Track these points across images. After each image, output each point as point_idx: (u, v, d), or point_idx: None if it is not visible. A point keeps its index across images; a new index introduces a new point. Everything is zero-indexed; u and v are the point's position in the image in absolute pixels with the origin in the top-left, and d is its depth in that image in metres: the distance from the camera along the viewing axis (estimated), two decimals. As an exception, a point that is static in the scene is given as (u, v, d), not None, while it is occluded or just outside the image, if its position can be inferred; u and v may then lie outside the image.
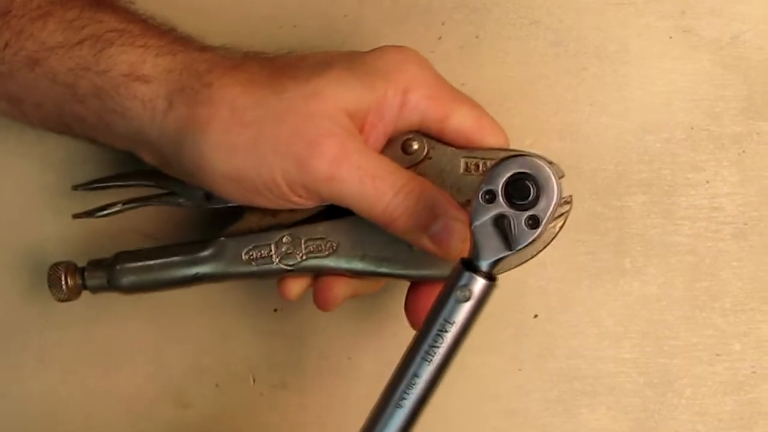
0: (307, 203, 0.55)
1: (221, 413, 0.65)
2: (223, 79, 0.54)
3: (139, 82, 0.54)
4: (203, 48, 0.56)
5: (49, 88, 0.55)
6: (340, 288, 0.59)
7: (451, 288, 0.50)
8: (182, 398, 0.65)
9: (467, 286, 0.50)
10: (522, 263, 0.58)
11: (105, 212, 0.61)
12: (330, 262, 0.58)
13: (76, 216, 0.61)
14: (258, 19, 0.65)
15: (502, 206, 0.50)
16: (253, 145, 0.53)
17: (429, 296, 0.57)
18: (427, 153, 0.57)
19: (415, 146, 0.57)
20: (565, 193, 0.57)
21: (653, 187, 0.64)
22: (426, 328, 0.50)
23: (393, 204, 0.54)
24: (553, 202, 0.50)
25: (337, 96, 0.54)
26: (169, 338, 0.65)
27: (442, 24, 0.65)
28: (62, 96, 0.55)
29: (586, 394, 0.64)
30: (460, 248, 0.54)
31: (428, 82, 0.57)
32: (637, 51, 0.64)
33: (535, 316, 0.64)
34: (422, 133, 0.57)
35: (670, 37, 0.64)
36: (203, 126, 0.54)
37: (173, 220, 0.65)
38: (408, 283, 0.60)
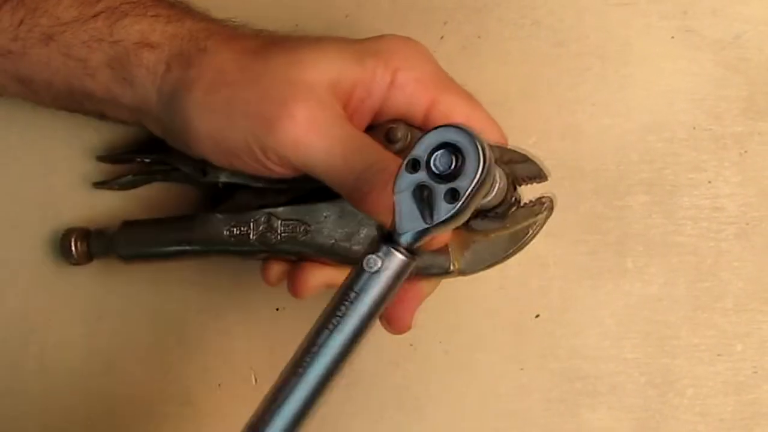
0: (285, 171, 0.55)
1: (223, 413, 0.65)
2: (218, 46, 0.56)
3: (147, 48, 0.56)
4: (209, 18, 0.58)
5: (62, 63, 0.57)
6: (314, 276, 0.58)
7: (363, 257, 0.47)
8: (184, 398, 0.65)
9: (379, 257, 0.47)
10: (491, 265, 0.58)
11: (120, 181, 0.64)
12: (304, 246, 0.58)
13: (97, 185, 0.65)
14: (258, 19, 0.64)
15: (424, 176, 0.46)
16: (226, 105, 0.54)
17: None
18: (410, 142, 0.57)
19: (399, 134, 0.57)
20: (533, 196, 0.57)
21: (655, 187, 0.64)
22: (334, 297, 0.48)
23: (362, 179, 0.53)
24: (476, 177, 0.46)
25: (319, 66, 0.54)
26: (170, 338, 0.65)
27: (444, 24, 0.65)
28: (74, 71, 0.57)
29: (587, 394, 0.64)
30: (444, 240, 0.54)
31: (422, 67, 0.56)
32: (638, 51, 0.64)
33: (537, 315, 0.64)
34: (407, 122, 0.57)
35: (672, 38, 0.64)
36: (189, 86, 0.55)
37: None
38: None
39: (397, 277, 0.47)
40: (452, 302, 0.64)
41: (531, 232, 0.57)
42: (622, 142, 0.64)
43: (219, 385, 0.66)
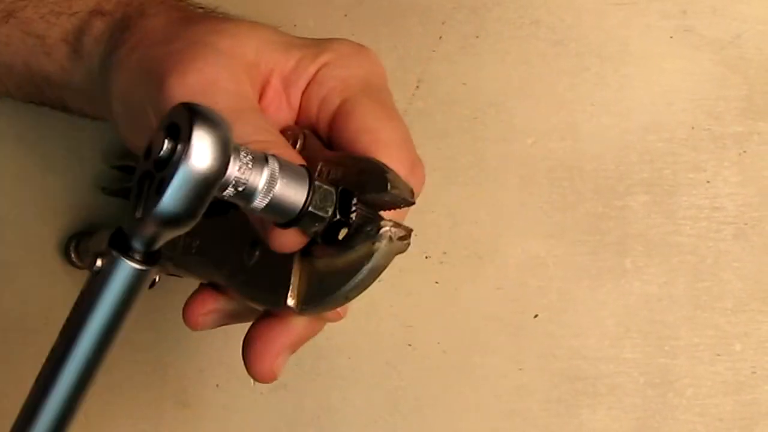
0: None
1: (221, 413, 0.65)
2: (158, 12, 0.51)
3: (98, 16, 0.53)
4: None
5: (21, 41, 0.55)
6: (204, 306, 0.50)
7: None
8: (182, 398, 0.65)
9: (103, 255, 0.39)
10: (328, 304, 0.45)
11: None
12: (195, 263, 0.50)
13: (105, 191, 0.64)
14: (257, 19, 0.64)
15: (149, 164, 0.38)
16: (137, 63, 0.49)
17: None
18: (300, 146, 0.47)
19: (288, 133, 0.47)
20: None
21: (654, 187, 0.64)
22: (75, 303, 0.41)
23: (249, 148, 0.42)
24: (182, 163, 0.37)
25: (240, 38, 0.47)
26: (169, 338, 0.65)
27: (443, 23, 0.64)
28: (32, 49, 0.55)
29: (586, 394, 0.64)
30: None
31: (355, 71, 0.47)
32: (638, 51, 0.64)
33: (536, 316, 0.64)
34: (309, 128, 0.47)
35: (671, 37, 0.64)
36: (117, 48, 0.51)
37: None
38: None
39: (128, 288, 0.40)
40: (451, 302, 0.64)
41: (366, 265, 0.43)
42: (622, 142, 0.64)
43: (217, 385, 0.66)
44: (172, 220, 0.38)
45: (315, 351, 0.65)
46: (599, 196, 0.64)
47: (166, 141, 0.38)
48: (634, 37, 0.64)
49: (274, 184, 0.41)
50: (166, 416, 0.65)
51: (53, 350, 0.41)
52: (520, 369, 0.64)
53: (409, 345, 0.65)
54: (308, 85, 0.47)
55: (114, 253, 0.39)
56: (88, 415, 0.65)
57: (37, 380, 0.41)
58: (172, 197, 0.37)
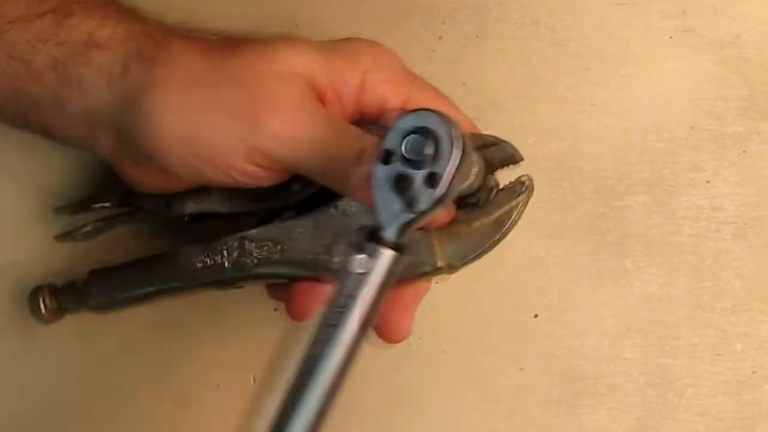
0: (262, 173, 0.53)
1: (222, 413, 0.65)
2: (180, 46, 0.53)
3: (96, 49, 0.53)
4: (160, 22, 0.55)
5: (6, 63, 0.54)
6: (311, 297, 0.56)
7: (352, 260, 0.46)
8: (182, 398, 0.65)
9: (369, 257, 0.45)
10: (479, 256, 0.56)
11: (81, 230, 0.60)
12: (281, 265, 0.55)
13: (58, 239, 0.61)
14: (258, 19, 0.65)
15: (399, 166, 0.45)
16: (208, 105, 0.52)
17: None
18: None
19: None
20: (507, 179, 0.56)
21: (654, 186, 0.64)
22: (327, 304, 0.46)
23: (357, 165, 0.50)
24: (453, 155, 0.45)
25: (291, 58, 0.52)
26: (169, 338, 0.65)
27: (443, 24, 0.64)
28: (18, 73, 0.54)
29: (587, 394, 0.64)
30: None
31: (390, 67, 0.55)
32: (638, 51, 0.64)
33: (536, 315, 0.64)
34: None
35: (671, 37, 0.64)
36: (158, 86, 0.52)
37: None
38: None
39: (387, 275, 0.46)
40: (451, 302, 0.64)
41: (514, 215, 0.56)
42: (622, 141, 0.64)
43: (217, 385, 0.65)
44: (442, 205, 0.45)
45: (315, 351, 0.65)
46: (599, 196, 0.64)
47: (427, 144, 0.45)
48: (635, 37, 0.64)
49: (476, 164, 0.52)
50: (166, 416, 0.65)
51: (313, 346, 0.45)
52: (521, 369, 0.64)
53: (410, 345, 0.65)
54: (360, 91, 0.54)
55: (379, 248, 0.45)
56: (88, 416, 0.65)
57: (306, 359, 0.45)
58: (448, 185, 0.45)
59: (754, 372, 0.64)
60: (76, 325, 0.65)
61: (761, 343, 0.64)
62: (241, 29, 0.63)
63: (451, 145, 0.45)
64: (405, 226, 0.45)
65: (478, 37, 0.65)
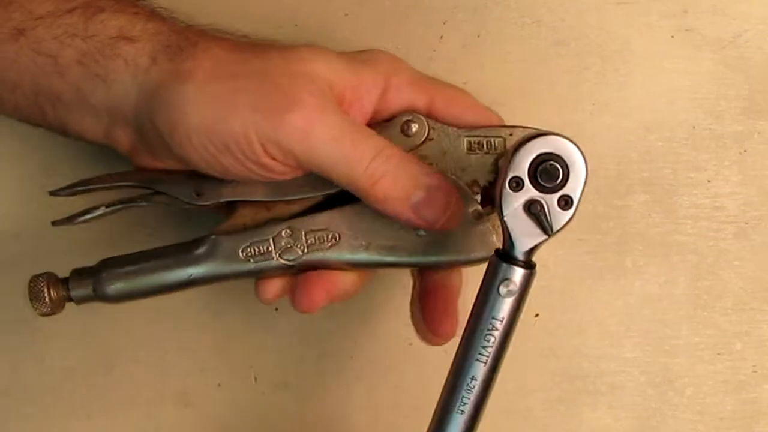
0: (278, 167, 0.53)
1: (223, 412, 0.65)
2: (209, 42, 0.54)
3: (125, 41, 0.54)
4: (189, 23, 0.56)
5: (30, 59, 0.54)
6: (323, 287, 0.56)
7: (492, 283, 0.49)
8: (184, 397, 0.65)
9: (509, 279, 0.49)
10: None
11: (87, 216, 0.56)
12: (333, 255, 0.55)
13: (56, 223, 0.57)
14: (259, 18, 0.65)
15: (531, 191, 0.49)
16: (230, 95, 0.52)
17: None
18: (428, 134, 0.56)
19: (415, 128, 0.56)
20: None
21: (655, 186, 0.64)
22: (474, 328, 0.49)
23: (374, 165, 0.52)
24: (583, 178, 0.49)
25: (317, 63, 0.54)
26: (170, 337, 0.65)
27: (444, 23, 0.64)
28: (43, 68, 0.54)
29: (587, 393, 0.64)
30: (444, 219, 0.53)
31: (409, 71, 0.57)
32: (639, 50, 0.64)
33: (537, 315, 0.64)
34: (421, 113, 0.56)
35: (672, 37, 0.64)
36: (184, 77, 0.53)
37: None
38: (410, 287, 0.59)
39: (527, 291, 0.49)
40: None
41: None
42: (622, 141, 0.64)
43: (219, 384, 0.66)
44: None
45: (317, 350, 0.65)
46: (600, 195, 0.64)
47: (560, 168, 0.49)
48: (635, 36, 0.64)
49: None
50: (167, 415, 0.65)
51: (472, 366, 0.50)
52: (521, 368, 0.64)
53: (410, 344, 0.65)
54: (384, 92, 0.55)
55: (518, 268, 0.49)
56: (89, 416, 0.66)
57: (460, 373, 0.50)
58: (576, 206, 0.49)
59: (754, 371, 0.64)
60: (76, 322, 0.65)
61: (761, 342, 0.64)
62: (242, 29, 0.64)
63: (584, 167, 0.49)
64: (537, 247, 0.49)
65: (479, 36, 0.65)
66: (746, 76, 0.64)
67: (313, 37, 0.64)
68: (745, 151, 0.64)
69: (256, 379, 0.65)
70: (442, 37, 0.65)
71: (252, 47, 0.55)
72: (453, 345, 0.65)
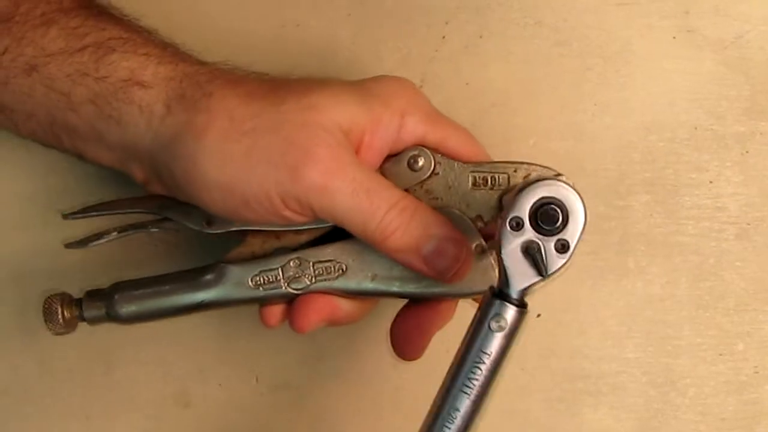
0: (298, 218, 0.54)
1: (223, 412, 0.65)
2: (224, 91, 0.54)
3: (138, 87, 0.54)
4: (204, 62, 0.56)
5: (44, 95, 0.55)
6: (316, 311, 0.57)
7: (483, 318, 0.50)
8: (184, 398, 0.65)
9: (500, 315, 0.50)
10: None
11: (99, 241, 0.59)
12: (339, 284, 0.57)
13: (69, 246, 0.59)
14: (260, 18, 0.65)
15: (529, 233, 0.50)
16: (247, 154, 0.53)
17: (415, 322, 0.58)
18: (434, 169, 0.57)
19: (421, 162, 0.57)
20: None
21: (656, 186, 0.64)
22: (462, 360, 0.50)
23: (387, 219, 0.53)
24: (581, 225, 0.50)
25: (332, 110, 0.54)
26: (171, 338, 0.65)
27: (446, 24, 0.64)
28: (56, 104, 0.55)
29: (589, 393, 0.64)
30: (454, 270, 0.54)
31: (423, 108, 0.57)
32: (640, 51, 0.64)
33: (538, 315, 0.64)
34: (427, 147, 0.57)
35: (674, 37, 0.64)
36: (200, 133, 0.53)
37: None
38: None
39: (517, 330, 0.50)
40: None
41: None
42: (624, 141, 0.64)
43: (219, 385, 0.65)
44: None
45: (317, 351, 0.65)
46: (601, 196, 0.64)
47: (560, 214, 0.50)
48: (637, 37, 0.64)
49: None
50: (167, 415, 0.65)
51: (455, 398, 0.50)
52: (522, 368, 0.64)
53: (411, 344, 0.65)
54: (399, 130, 0.56)
55: (510, 306, 0.50)
56: (89, 416, 0.65)
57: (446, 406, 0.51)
58: (572, 254, 0.50)
59: (756, 372, 0.64)
60: (79, 324, 0.65)
61: (763, 343, 0.64)
62: (242, 29, 0.64)
63: (584, 215, 0.50)
64: (531, 287, 0.50)
65: (481, 37, 0.65)
66: (748, 76, 0.64)
67: (315, 37, 0.64)
68: (746, 151, 0.64)
69: (257, 379, 0.65)
70: (444, 37, 0.65)
71: (265, 94, 0.55)
72: (455, 345, 0.65)
